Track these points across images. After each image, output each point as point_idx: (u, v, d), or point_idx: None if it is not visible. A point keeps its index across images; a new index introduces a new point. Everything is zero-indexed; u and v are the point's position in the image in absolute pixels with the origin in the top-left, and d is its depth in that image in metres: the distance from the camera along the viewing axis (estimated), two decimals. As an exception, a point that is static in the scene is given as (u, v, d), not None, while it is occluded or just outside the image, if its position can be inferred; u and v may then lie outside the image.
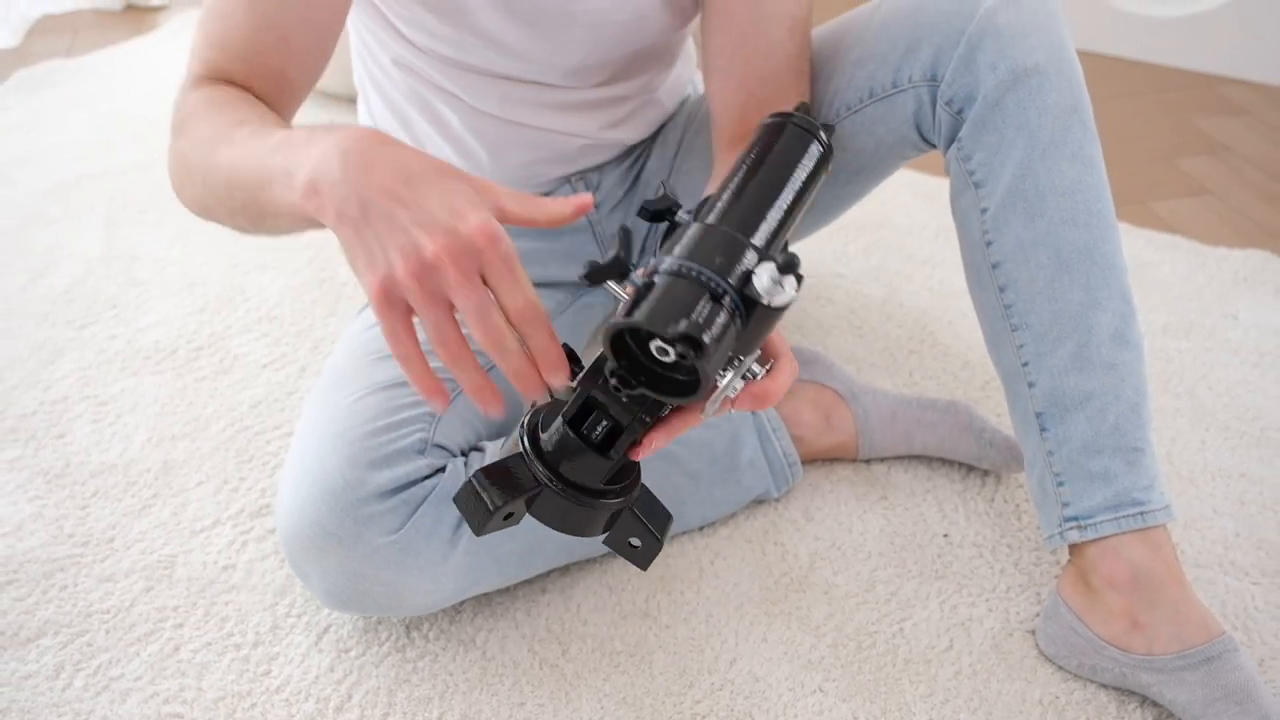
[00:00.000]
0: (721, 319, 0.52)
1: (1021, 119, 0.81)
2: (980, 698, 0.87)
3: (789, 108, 0.87)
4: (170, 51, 2.01)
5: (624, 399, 0.56)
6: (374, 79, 0.98)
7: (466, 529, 0.82)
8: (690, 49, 1.09)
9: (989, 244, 0.86)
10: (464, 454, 0.86)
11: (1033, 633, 0.92)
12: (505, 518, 0.58)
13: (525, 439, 0.58)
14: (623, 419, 0.57)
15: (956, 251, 0.92)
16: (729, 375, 0.57)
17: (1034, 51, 0.81)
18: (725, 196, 0.58)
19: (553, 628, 0.92)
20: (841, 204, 1.04)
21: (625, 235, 0.55)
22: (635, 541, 0.62)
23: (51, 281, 1.36)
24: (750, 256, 0.54)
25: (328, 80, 1.65)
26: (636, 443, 0.58)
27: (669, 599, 0.95)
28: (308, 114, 1.70)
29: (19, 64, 2.00)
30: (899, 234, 1.47)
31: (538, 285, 0.99)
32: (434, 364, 0.89)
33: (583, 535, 0.60)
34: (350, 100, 1.75)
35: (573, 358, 0.59)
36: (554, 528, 0.59)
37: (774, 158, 0.60)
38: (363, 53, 0.97)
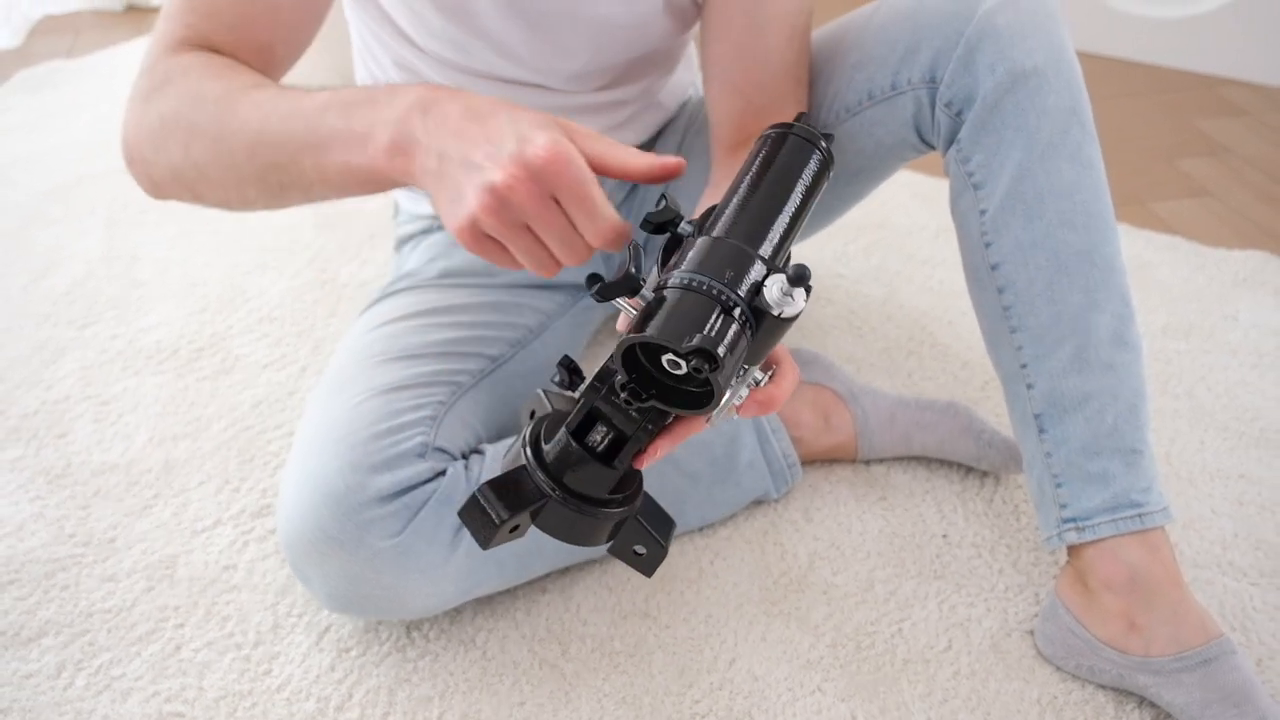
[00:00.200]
0: (734, 331, 0.52)
1: (1020, 120, 0.81)
2: (979, 698, 0.87)
3: (788, 116, 0.88)
4: (171, 52, 2.02)
5: (634, 412, 0.56)
6: (375, 81, 0.98)
7: (467, 533, 0.82)
8: (691, 52, 1.09)
9: (988, 245, 0.86)
10: (464, 457, 0.87)
11: (1031, 633, 0.92)
12: (511, 530, 0.57)
13: (529, 450, 0.58)
14: (627, 429, 0.57)
15: (956, 252, 0.92)
16: (735, 384, 0.57)
17: (1033, 53, 0.81)
18: (730, 209, 0.58)
19: (552, 628, 0.92)
20: (841, 205, 1.04)
21: (636, 251, 0.55)
22: (640, 549, 0.61)
23: (53, 282, 1.36)
24: (759, 268, 0.54)
25: (329, 82, 1.65)
26: (641, 451, 0.58)
27: (668, 599, 0.95)
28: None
29: (20, 64, 2.00)
30: (898, 235, 1.47)
31: (538, 287, 1.00)
32: (432, 366, 0.89)
33: (587, 545, 0.60)
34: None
35: (574, 368, 0.59)
36: (559, 538, 0.59)
37: (777, 169, 0.60)
38: (364, 54, 0.97)
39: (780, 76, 0.87)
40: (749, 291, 0.53)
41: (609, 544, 0.61)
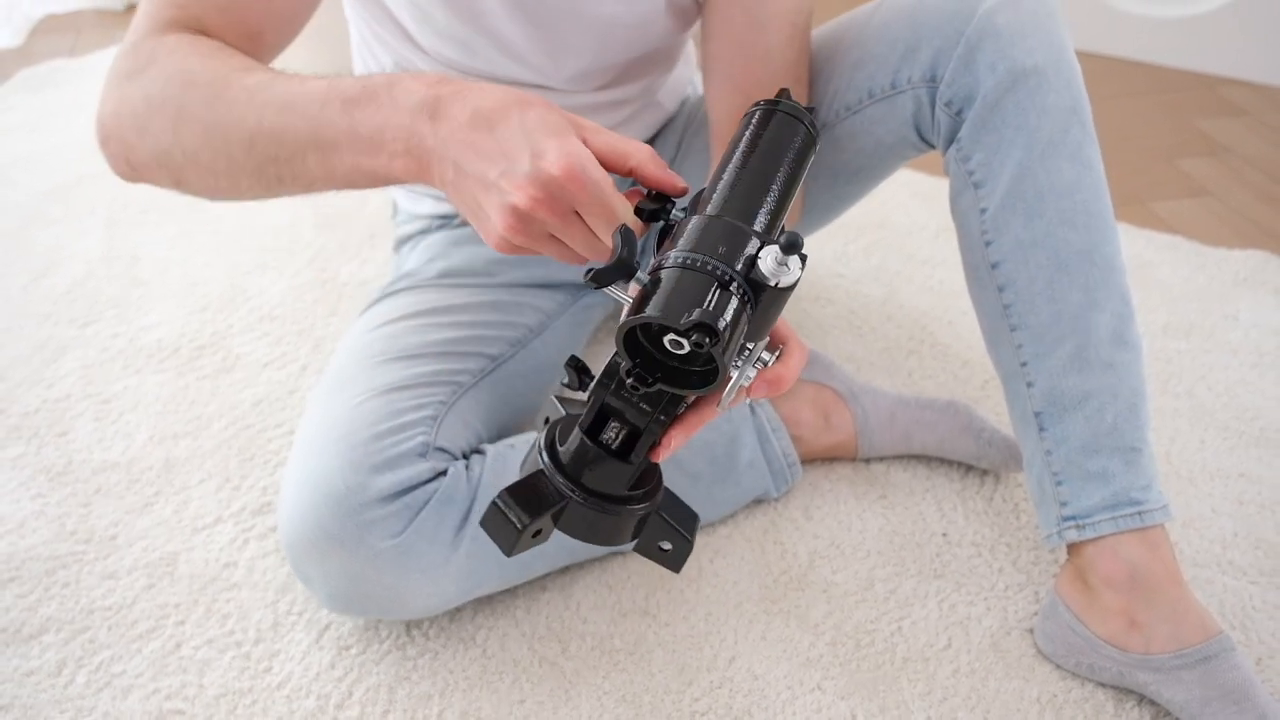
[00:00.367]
0: (733, 305, 0.52)
1: (1021, 120, 0.82)
2: (978, 696, 0.87)
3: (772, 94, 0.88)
4: (172, 51, 2.02)
5: (639, 400, 0.56)
6: (375, 79, 0.98)
7: (468, 532, 0.82)
8: (691, 50, 1.09)
9: (988, 244, 0.86)
10: (465, 457, 0.87)
11: (1031, 631, 0.92)
12: (534, 535, 0.57)
13: (545, 454, 0.58)
14: (639, 422, 0.57)
15: (956, 252, 0.92)
16: (742, 364, 0.57)
17: (1033, 52, 0.81)
18: (720, 186, 0.58)
19: (552, 626, 0.92)
20: (841, 204, 1.04)
21: (628, 235, 0.55)
22: (665, 545, 0.61)
23: (54, 281, 1.36)
24: (753, 242, 0.54)
25: (329, 80, 1.65)
26: (656, 444, 0.58)
27: (668, 597, 0.95)
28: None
29: (22, 63, 2.00)
30: (898, 234, 1.47)
31: (538, 286, 1.00)
32: (427, 367, 0.89)
33: (612, 544, 0.60)
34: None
35: (582, 368, 0.59)
36: (583, 540, 0.59)
37: (764, 144, 0.60)
38: (365, 54, 0.98)
39: (780, 74, 0.87)
40: (745, 265, 0.53)
41: (634, 542, 0.61)
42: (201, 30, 0.71)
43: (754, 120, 0.62)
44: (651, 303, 0.51)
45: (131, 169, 0.70)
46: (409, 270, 1.02)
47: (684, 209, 0.59)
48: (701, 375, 0.55)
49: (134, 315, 1.30)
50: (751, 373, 0.57)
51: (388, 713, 0.85)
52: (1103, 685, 0.87)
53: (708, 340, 0.50)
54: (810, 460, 1.07)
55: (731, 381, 0.57)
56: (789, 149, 0.60)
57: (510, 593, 0.94)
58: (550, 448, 0.58)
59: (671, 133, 1.06)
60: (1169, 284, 1.38)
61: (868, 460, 1.09)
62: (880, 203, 1.51)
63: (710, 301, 0.51)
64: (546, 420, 0.61)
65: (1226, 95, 1.92)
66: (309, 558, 0.80)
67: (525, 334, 0.97)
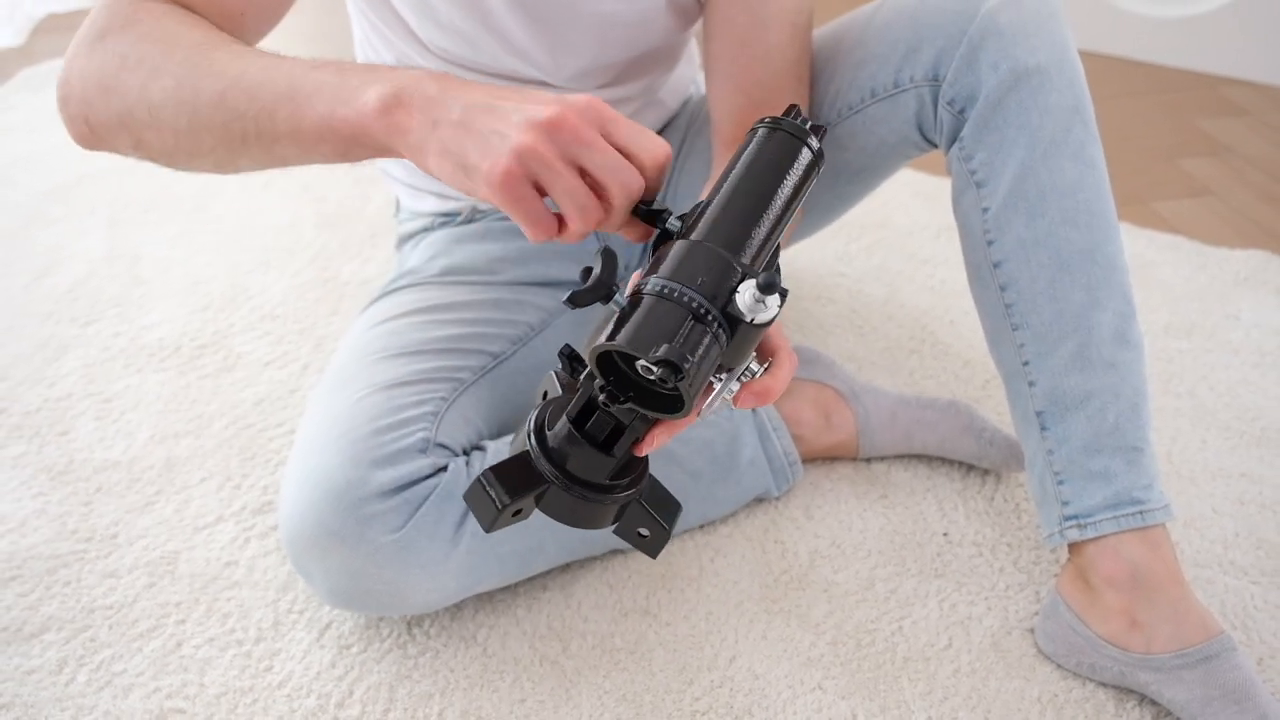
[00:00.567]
0: (706, 341, 0.52)
1: (1023, 119, 0.81)
2: (979, 695, 0.87)
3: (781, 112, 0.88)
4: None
5: (615, 410, 0.57)
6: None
7: (468, 528, 0.82)
8: (693, 49, 1.09)
9: (990, 243, 0.86)
10: (466, 453, 0.87)
11: (1032, 631, 0.92)
12: (514, 514, 0.58)
13: (532, 437, 0.58)
14: (623, 418, 0.58)
15: (958, 251, 0.92)
16: (725, 379, 0.57)
17: (1036, 51, 0.81)
18: (712, 210, 0.58)
19: (553, 625, 0.92)
20: (843, 204, 1.04)
21: (609, 257, 0.55)
22: (644, 531, 0.62)
23: (55, 280, 1.36)
24: (735, 274, 0.54)
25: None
26: (639, 440, 0.59)
27: (669, 596, 0.95)
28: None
29: (24, 63, 2.01)
30: (900, 234, 1.47)
31: (540, 284, 1.00)
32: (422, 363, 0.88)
33: (590, 528, 0.61)
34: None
35: (575, 357, 0.60)
36: (563, 522, 0.60)
37: (762, 167, 0.59)
38: (367, 50, 0.98)
39: (782, 74, 0.87)
40: (723, 298, 0.53)
41: (614, 525, 0.61)
42: (186, 3, 0.70)
43: (754, 140, 0.61)
44: (623, 331, 0.52)
45: (90, 130, 0.68)
46: (411, 268, 1.02)
47: (680, 217, 0.59)
48: (671, 399, 0.55)
49: (135, 314, 1.30)
50: (735, 386, 0.58)
51: (388, 711, 0.85)
52: (1104, 685, 0.87)
53: (673, 376, 0.50)
54: (811, 459, 1.07)
55: (714, 393, 0.57)
56: (788, 173, 0.59)
57: (511, 591, 0.94)
58: (539, 431, 0.59)
59: (674, 132, 1.06)
60: (1170, 284, 1.38)
61: (869, 460, 1.09)
62: (882, 202, 1.51)
63: (680, 337, 0.51)
64: (545, 395, 0.61)
65: (1228, 95, 1.92)
66: (309, 553, 0.80)
67: (527, 332, 0.97)
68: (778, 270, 0.57)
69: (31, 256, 1.41)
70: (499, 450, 0.87)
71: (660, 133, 1.07)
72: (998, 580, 0.97)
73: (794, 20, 0.86)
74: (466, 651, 0.90)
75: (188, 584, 0.95)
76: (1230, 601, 0.95)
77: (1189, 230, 1.51)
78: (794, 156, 0.60)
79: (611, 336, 0.52)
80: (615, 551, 0.98)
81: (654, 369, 0.51)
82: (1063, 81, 0.82)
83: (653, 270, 0.55)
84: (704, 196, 0.60)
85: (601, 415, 0.58)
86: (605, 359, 0.55)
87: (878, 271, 1.39)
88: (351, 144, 0.60)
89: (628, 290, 0.56)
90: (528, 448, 0.58)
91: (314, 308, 1.31)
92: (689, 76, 1.09)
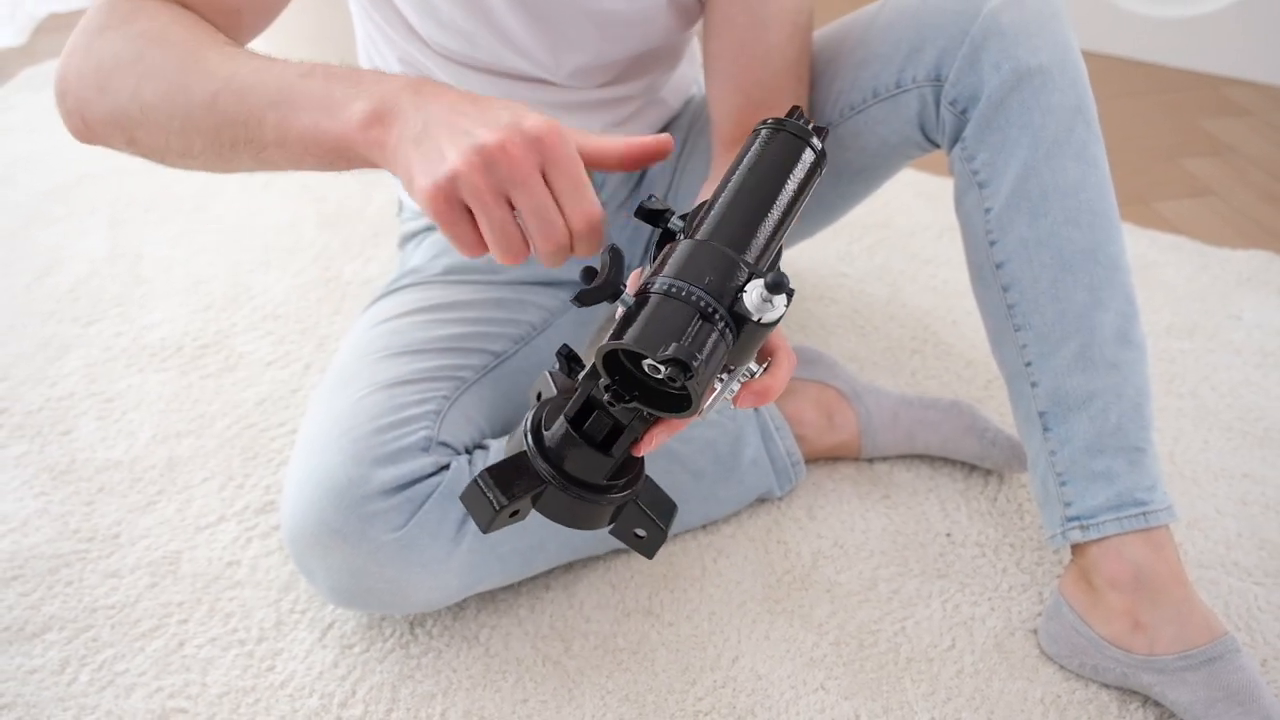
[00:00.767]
0: (713, 339, 0.52)
1: (1025, 119, 0.81)
2: (982, 696, 0.87)
3: (785, 112, 0.88)
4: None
5: (618, 410, 0.57)
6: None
7: (470, 526, 0.82)
8: (695, 49, 1.09)
9: (993, 244, 0.86)
10: (468, 452, 0.87)
11: (1035, 632, 0.92)
12: (511, 515, 0.58)
13: (529, 437, 0.58)
14: (622, 418, 0.58)
15: (960, 251, 0.92)
16: (726, 379, 0.57)
17: (1038, 51, 0.81)
18: (716, 210, 0.58)
19: (556, 625, 0.92)
20: (845, 203, 1.04)
21: (616, 255, 0.55)
22: (640, 532, 0.62)
23: (57, 280, 1.36)
24: (741, 273, 0.54)
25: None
26: (638, 440, 0.59)
27: (672, 596, 0.95)
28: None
29: (25, 62, 2.01)
30: (902, 234, 1.47)
31: (542, 283, 1.00)
32: (431, 361, 0.89)
33: (587, 529, 0.61)
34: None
35: (573, 357, 0.60)
36: (560, 523, 0.60)
37: (766, 167, 0.59)
38: (370, 51, 0.98)
39: (782, 73, 0.87)
40: (730, 297, 0.53)
41: (610, 526, 0.61)
42: (179, 2, 0.70)
43: (758, 140, 0.61)
44: (631, 330, 0.52)
45: (86, 126, 0.68)
46: (413, 266, 1.02)
47: (683, 217, 0.59)
48: (678, 398, 0.55)
49: (137, 314, 1.30)
50: (735, 386, 0.57)
51: (391, 711, 0.85)
52: (1107, 686, 0.87)
53: (682, 375, 0.50)
54: (813, 459, 1.07)
55: (715, 394, 0.57)
56: (791, 173, 0.59)
57: (514, 591, 0.94)
58: (535, 431, 0.59)
59: (676, 131, 1.06)
60: (1172, 284, 1.38)
61: (871, 460, 1.09)
62: (884, 202, 1.51)
63: (689, 335, 0.51)
64: (539, 396, 0.61)
65: (1230, 95, 1.92)
66: (311, 552, 0.80)
67: (528, 331, 0.97)
68: (782, 271, 0.57)
69: (33, 256, 1.41)
70: (501, 449, 0.87)
71: (662, 132, 1.06)
72: (1000, 581, 0.97)
73: (794, 20, 0.86)
74: (469, 651, 0.90)
75: (190, 584, 0.95)
76: (1234, 603, 0.95)
77: (1191, 230, 1.51)
78: (797, 157, 0.60)
79: (618, 335, 0.52)
80: (618, 551, 0.98)
81: (662, 368, 0.51)
82: (1065, 81, 0.82)
83: (658, 269, 0.55)
84: (705, 196, 0.60)
85: (600, 415, 0.58)
86: (611, 358, 0.55)
87: (880, 271, 1.39)
88: (336, 156, 0.60)
89: (631, 289, 0.56)
90: (524, 448, 0.58)
91: (316, 307, 1.31)
92: (691, 76, 1.09)
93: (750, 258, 0.56)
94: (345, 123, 0.58)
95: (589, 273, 0.55)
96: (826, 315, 1.30)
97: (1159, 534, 0.83)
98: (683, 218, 0.59)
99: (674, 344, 0.50)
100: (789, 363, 0.61)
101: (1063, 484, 0.86)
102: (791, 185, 0.59)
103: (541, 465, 0.58)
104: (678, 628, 0.92)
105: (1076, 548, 0.87)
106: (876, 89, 0.89)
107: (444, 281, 0.98)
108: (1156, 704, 0.85)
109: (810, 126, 0.61)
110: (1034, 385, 0.86)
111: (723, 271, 0.54)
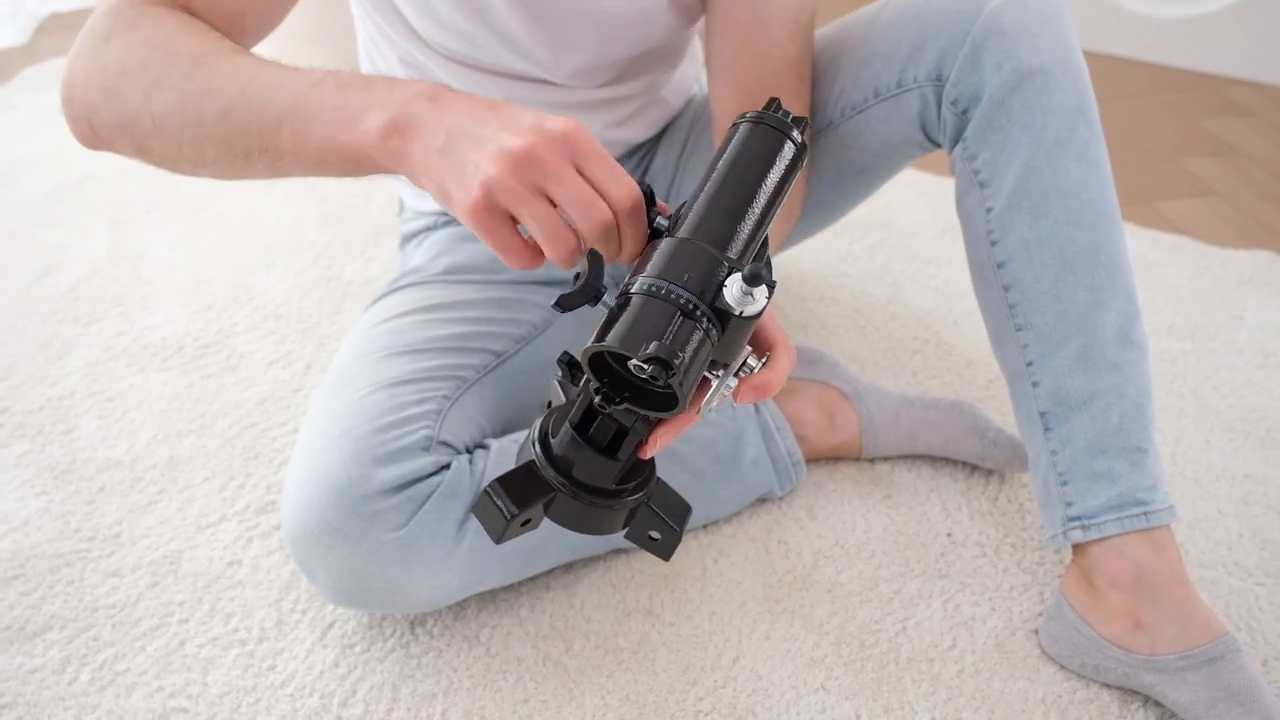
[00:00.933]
0: (696, 337, 0.52)
1: (1027, 119, 0.81)
2: (983, 696, 0.87)
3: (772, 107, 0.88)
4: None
5: (613, 412, 0.57)
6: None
7: (471, 526, 0.82)
8: (697, 48, 1.09)
9: (994, 243, 0.86)
10: (469, 451, 0.87)
11: (1035, 632, 0.92)
12: (523, 524, 0.59)
13: (537, 445, 0.59)
14: (625, 421, 0.58)
15: (961, 251, 0.92)
16: (722, 375, 0.57)
17: (1039, 51, 0.81)
18: (698, 206, 0.58)
19: (556, 624, 0.92)
20: (846, 203, 1.04)
21: (595, 259, 0.55)
22: (654, 534, 0.62)
23: (58, 279, 1.36)
24: (722, 269, 0.54)
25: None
26: (643, 442, 0.59)
27: (672, 596, 0.95)
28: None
29: (27, 62, 2.01)
30: (903, 234, 1.47)
31: (543, 283, 1.00)
32: (430, 359, 0.89)
33: (601, 534, 0.61)
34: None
35: (575, 364, 0.60)
36: (572, 529, 0.60)
37: (746, 162, 0.59)
38: (371, 50, 0.98)
39: (783, 72, 0.87)
40: (712, 293, 0.53)
41: (624, 531, 0.61)
42: (186, 7, 0.70)
43: (737, 135, 0.61)
44: (612, 331, 0.52)
45: (93, 132, 0.69)
46: (414, 266, 1.02)
47: (672, 215, 0.59)
48: (666, 397, 0.55)
49: (138, 313, 1.30)
50: (733, 381, 0.57)
51: (391, 711, 0.85)
52: (1108, 686, 0.87)
53: (664, 373, 0.50)
54: (815, 459, 1.07)
55: (711, 390, 0.57)
56: (772, 167, 0.59)
57: (514, 591, 0.94)
58: (543, 439, 0.59)
59: (678, 130, 1.06)
60: (1174, 284, 1.37)
61: (872, 460, 1.09)
62: (885, 202, 1.51)
63: (670, 333, 0.51)
64: (549, 405, 0.61)
65: (1232, 95, 1.92)
66: (312, 551, 0.80)
67: (529, 330, 0.97)
68: (767, 263, 0.57)
69: (34, 256, 1.41)
70: (503, 447, 0.87)
71: (663, 131, 1.06)
72: (1002, 581, 0.97)
73: (795, 18, 0.86)
74: (470, 651, 0.90)
75: (191, 583, 0.95)
76: (1235, 603, 0.94)
77: (1193, 230, 1.51)
78: (777, 149, 0.60)
79: (600, 338, 0.52)
80: (618, 551, 0.98)
81: (645, 367, 0.51)
82: (1066, 81, 0.82)
83: (639, 269, 0.55)
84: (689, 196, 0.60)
85: (604, 420, 0.58)
86: (598, 361, 0.55)
87: (881, 272, 1.39)
88: (354, 165, 0.61)
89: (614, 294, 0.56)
90: (533, 457, 0.58)
91: (317, 307, 1.31)
92: (692, 75, 1.09)
93: (733, 253, 0.56)
94: (363, 135, 0.58)
95: (579, 277, 0.55)
96: (828, 315, 1.30)
97: (1160, 534, 0.83)
98: (666, 218, 0.59)
99: (655, 343, 0.51)
100: (789, 357, 0.61)
101: (1064, 484, 0.86)
102: (772, 178, 0.59)
103: (550, 473, 0.58)
104: (678, 628, 0.92)
105: (1078, 548, 0.87)
106: (878, 88, 0.89)
107: (445, 281, 0.98)
108: (1157, 704, 0.85)
109: (790, 119, 0.61)
110: (1035, 385, 0.86)
111: (703, 268, 0.54)
